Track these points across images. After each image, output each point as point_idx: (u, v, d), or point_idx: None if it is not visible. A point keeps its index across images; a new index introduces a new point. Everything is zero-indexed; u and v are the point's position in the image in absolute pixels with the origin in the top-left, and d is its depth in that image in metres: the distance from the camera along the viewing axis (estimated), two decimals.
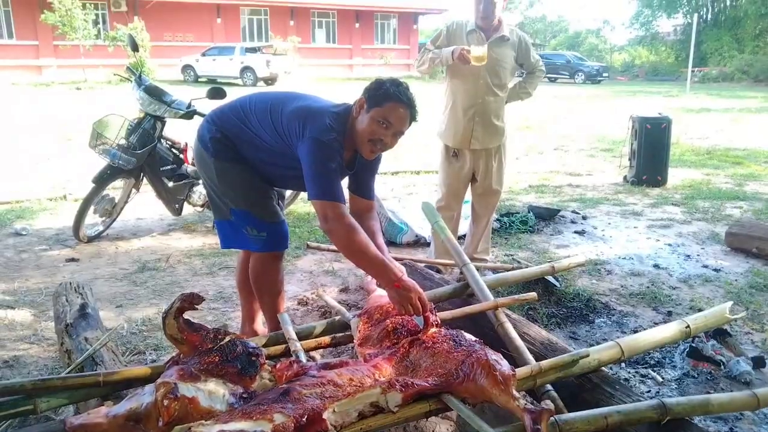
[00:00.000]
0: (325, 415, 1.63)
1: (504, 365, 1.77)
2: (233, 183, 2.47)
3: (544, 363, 1.93)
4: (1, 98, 15.35)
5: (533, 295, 2.46)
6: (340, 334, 2.22)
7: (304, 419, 1.60)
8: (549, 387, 1.97)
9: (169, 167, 4.54)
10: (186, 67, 24.48)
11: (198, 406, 1.68)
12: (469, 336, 1.96)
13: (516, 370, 1.82)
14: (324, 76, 27.33)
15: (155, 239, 4.65)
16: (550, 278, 3.56)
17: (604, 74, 31.56)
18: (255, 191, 2.50)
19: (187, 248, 4.42)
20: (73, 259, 4.11)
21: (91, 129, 4.28)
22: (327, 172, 2.19)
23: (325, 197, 2.17)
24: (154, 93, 4.42)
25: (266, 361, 1.95)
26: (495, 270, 3.60)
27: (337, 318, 2.34)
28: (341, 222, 2.15)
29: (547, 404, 1.68)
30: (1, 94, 16.58)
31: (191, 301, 1.97)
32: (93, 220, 4.57)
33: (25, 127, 10.15)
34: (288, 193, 5.40)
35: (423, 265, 3.25)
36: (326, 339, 2.19)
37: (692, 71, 23.93)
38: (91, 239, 4.47)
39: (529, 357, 2.10)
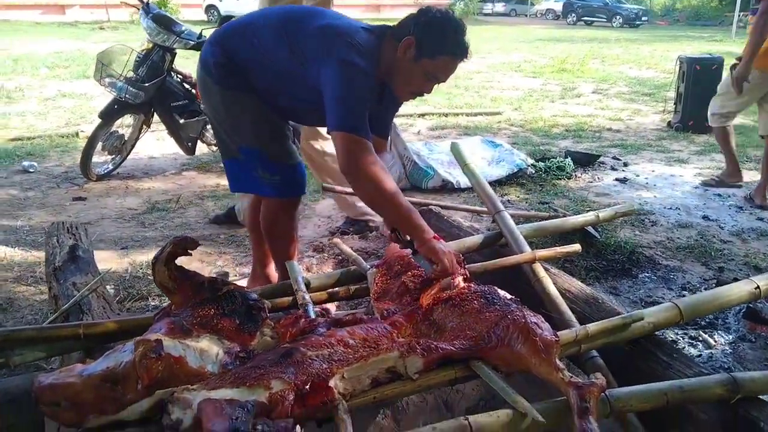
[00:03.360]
0: (332, 382, 1.38)
1: (545, 329, 1.50)
2: (241, 116, 2.13)
3: (591, 326, 1.65)
4: (25, 37, 15.12)
5: (577, 247, 2.16)
6: (355, 286, 1.95)
7: (307, 387, 1.36)
8: (595, 353, 1.70)
9: (180, 103, 4.26)
10: (209, 7, 23.87)
11: (185, 366, 1.44)
12: (503, 293, 1.68)
13: (558, 334, 1.54)
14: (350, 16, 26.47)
15: (167, 179, 4.42)
16: (590, 228, 3.24)
17: (643, 18, 30.06)
18: (267, 126, 2.15)
19: (200, 189, 4.19)
20: (80, 198, 3.91)
21: (95, 61, 4.00)
22: (354, 101, 1.82)
23: (349, 129, 1.79)
24: (163, 22, 4.10)
25: (269, 315, 1.70)
26: (529, 219, 3.31)
27: (352, 268, 2.07)
28: (368, 163, 1.77)
29: (597, 378, 1.41)
30: (24, 33, 16.35)
31: (185, 245, 1.72)
32: (103, 158, 4.36)
33: (46, 65, 9.92)
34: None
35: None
36: (339, 291, 1.93)
37: (738, 16, 22.55)
38: (100, 178, 4.26)
39: (572, 318, 1.83)
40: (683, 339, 2.55)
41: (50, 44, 13.56)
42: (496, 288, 1.70)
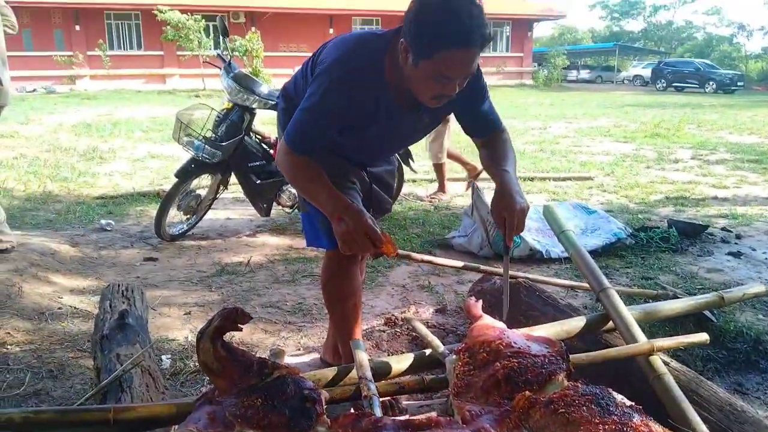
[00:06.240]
0: None
1: None
2: None
3: None
4: (127, 104, 16.13)
5: (704, 336, 1.76)
6: (431, 376, 1.64)
7: None
8: None
9: (257, 163, 4.17)
10: None
11: None
12: (620, 398, 1.32)
13: None
14: None
15: (240, 241, 4.29)
16: (706, 311, 2.78)
17: (739, 83, 28.83)
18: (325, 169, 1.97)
19: (272, 252, 4.01)
20: (151, 259, 3.82)
21: (175, 119, 3.99)
22: (308, 121, 1.72)
23: (288, 141, 1.75)
24: (243, 82, 4.06)
25: (325, 409, 1.41)
26: (633, 297, 2.89)
27: (427, 352, 1.76)
28: (288, 155, 1.77)
29: None
30: (127, 100, 17.48)
31: (234, 319, 1.49)
32: (178, 218, 4.30)
33: (141, 129, 10.39)
34: None
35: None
36: (411, 381, 1.62)
37: None
38: (174, 238, 4.18)
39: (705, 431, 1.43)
40: None
41: (148, 110, 14.34)
42: (610, 390, 1.34)
